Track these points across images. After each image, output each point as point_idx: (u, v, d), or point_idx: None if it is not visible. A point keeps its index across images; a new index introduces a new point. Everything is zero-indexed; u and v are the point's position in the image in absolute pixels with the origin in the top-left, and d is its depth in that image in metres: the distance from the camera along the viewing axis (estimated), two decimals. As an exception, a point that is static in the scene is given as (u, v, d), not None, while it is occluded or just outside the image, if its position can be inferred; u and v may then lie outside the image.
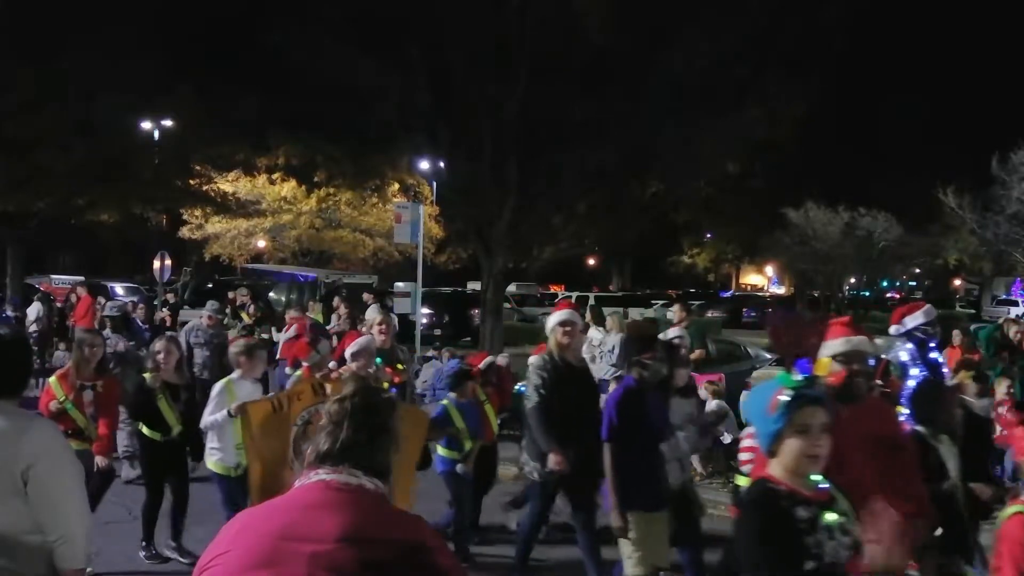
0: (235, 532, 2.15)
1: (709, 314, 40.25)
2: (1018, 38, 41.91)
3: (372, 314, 18.14)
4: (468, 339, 26.04)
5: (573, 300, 37.64)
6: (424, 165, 27.49)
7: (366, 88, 17.45)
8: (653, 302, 42.46)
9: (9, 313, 17.80)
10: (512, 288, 36.26)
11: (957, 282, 56.41)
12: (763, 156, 31.49)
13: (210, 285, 31.23)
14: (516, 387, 13.99)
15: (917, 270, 47.65)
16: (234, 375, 6.71)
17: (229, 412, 6.20)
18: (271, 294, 26.82)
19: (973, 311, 45.15)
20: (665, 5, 17.19)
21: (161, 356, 7.11)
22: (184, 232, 36.23)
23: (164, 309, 18.86)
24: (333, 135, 27.65)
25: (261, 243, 37.70)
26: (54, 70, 22.62)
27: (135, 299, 20.84)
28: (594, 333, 12.13)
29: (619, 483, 5.43)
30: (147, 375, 7.13)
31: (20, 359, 3.49)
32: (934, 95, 42.94)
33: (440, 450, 7.41)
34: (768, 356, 15.74)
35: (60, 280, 28.01)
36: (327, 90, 19.42)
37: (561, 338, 6.38)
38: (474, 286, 34.96)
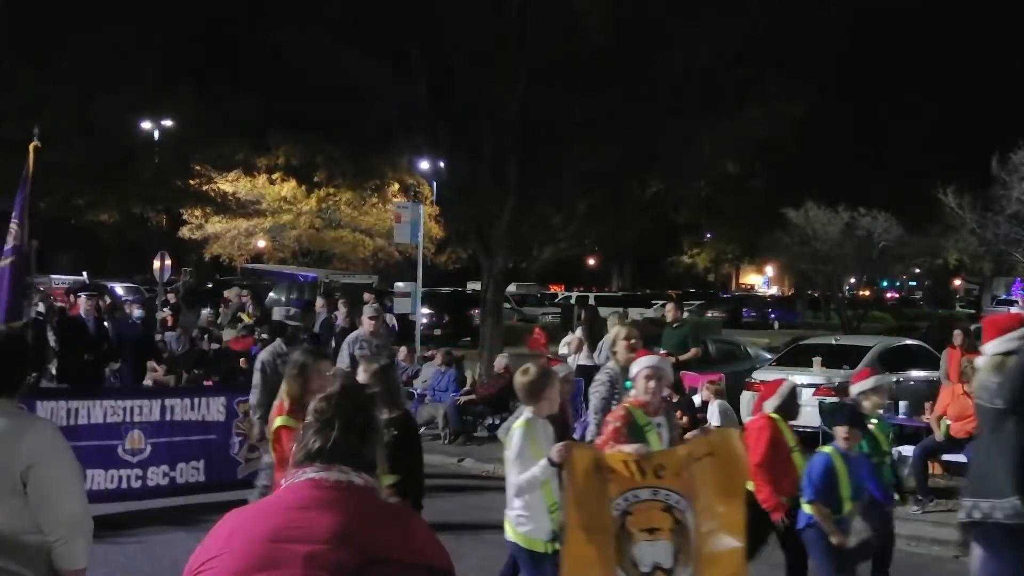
0: (226, 535, 2.13)
1: (709, 314, 40.29)
2: (1018, 38, 41.87)
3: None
4: (468, 339, 26.05)
5: (573, 300, 37.74)
6: (424, 165, 27.49)
7: (366, 88, 17.43)
8: (653, 302, 42.51)
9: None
10: (512, 288, 36.24)
11: (957, 282, 56.39)
12: (763, 156, 31.52)
13: (210, 285, 31.25)
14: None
15: (917, 270, 47.59)
16: (526, 413, 5.05)
17: (551, 460, 4.71)
18: (271, 294, 26.83)
19: (973, 311, 45.16)
20: (665, 5, 17.18)
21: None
22: (184, 232, 36.25)
23: (165, 309, 18.87)
24: (333, 135, 27.68)
25: (261, 243, 37.70)
26: (54, 70, 22.63)
27: (133, 298, 20.84)
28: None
29: None
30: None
31: (17, 358, 3.48)
32: (934, 95, 42.91)
33: (805, 505, 5.71)
34: (768, 356, 15.76)
35: (60, 280, 28.02)
36: (327, 90, 19.42)
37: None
38: (474, 286, 34.95)
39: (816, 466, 5.71)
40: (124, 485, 8.29)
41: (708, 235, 58.69)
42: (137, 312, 13.98)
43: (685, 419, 10.73)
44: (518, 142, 16.94)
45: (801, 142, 29.72)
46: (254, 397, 7.89)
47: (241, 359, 13.26)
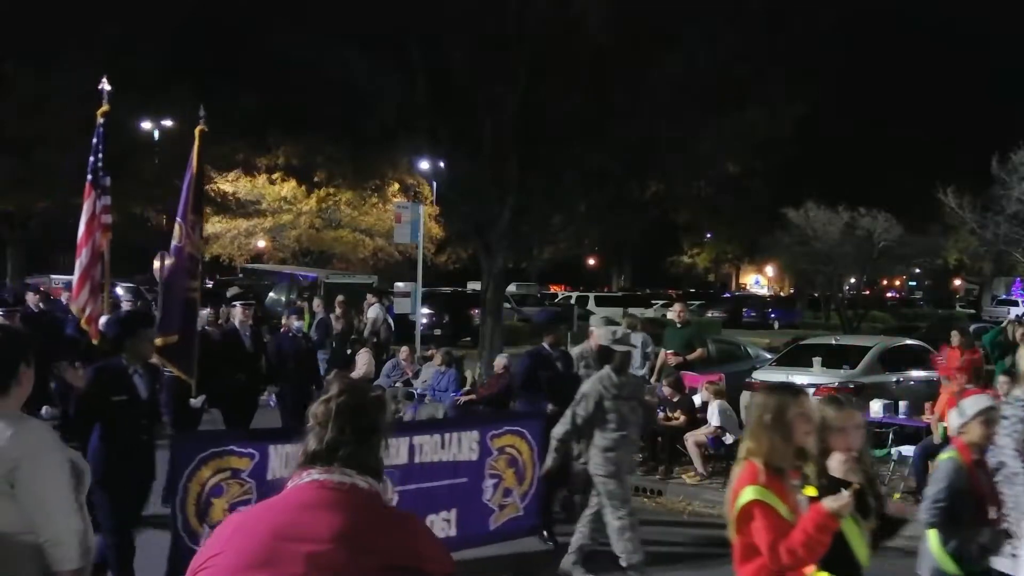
0: (229, 533, 2.14)
1: (709, 314, 40.27)
2: (1018, 38, 41.90)
3: (374, 313, 18.24)
4: (468, 339, 26.04)
5: (573, 300, 37.76)
6: (424, 165, 27.50)
7: (366, 88, 17.43)
8: (653, 302, 42.52)
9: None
10: (512, 288, 36.24)
11: (957, 282, 56.41)
12: (763, 156, 31.48)
13: (210, 285, 31.21)
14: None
15: (917, 270, 47.61)
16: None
17: None
18: (271, 294, 26.84)
19: (973, 311, 45.17)
20: (665, 5, 17.18)
21: None
22: (184, 232, 36.19)
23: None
24: (333, 135, 27.66)
25: (261, 243, 37.69)
26: (54, 70, 22.65)
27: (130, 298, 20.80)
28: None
29: None
30: None
31: (5, 359, 3.39)
32: (934, 95, 42.95)
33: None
34: (768, 356, 15.76)
35: (60, 280, 28.02)
36: (327, 90, 19.40)
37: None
38: (474, 286, 34.95)
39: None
40: None
41: (708, 235, 58.67)
42: (296, 324, 11.72)
43: (684, 419, 10.76)
44: (518, 142, 16.95)
45: (801, 142, 29.69)
46: (561, 429, 6.90)
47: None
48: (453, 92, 17.17)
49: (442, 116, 17.38)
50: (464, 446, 7.23)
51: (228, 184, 33.76)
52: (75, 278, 8.25)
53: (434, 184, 30.38)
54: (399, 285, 21.73)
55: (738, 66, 17.72)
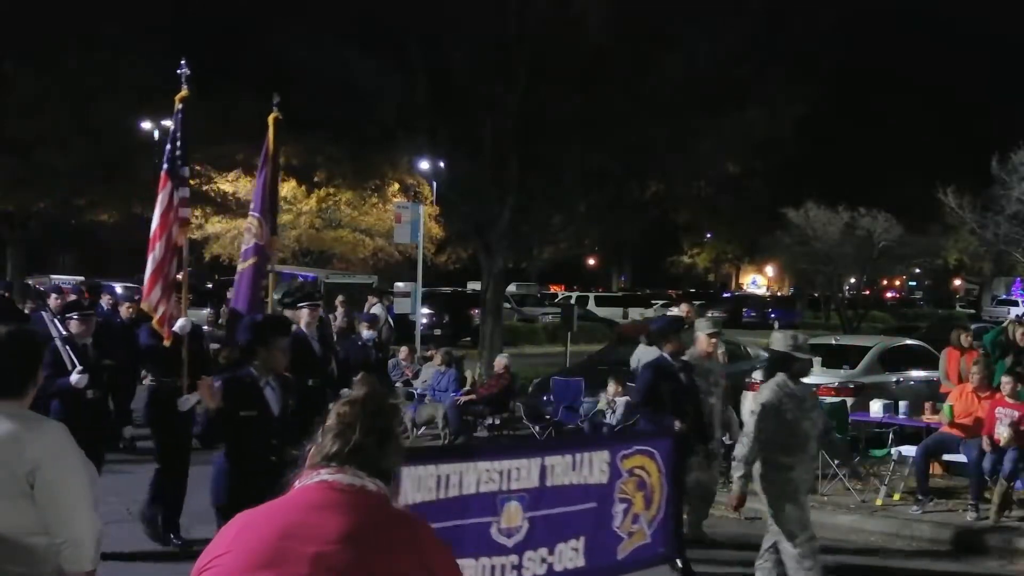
0: (235, 532, 2.13)
1: (709, 314, 40.24)
2: (1018, 38, 41.91)
3: (376, 313, 18.25)
4: (468, 339, 26.05)
5: (573, 300, 37.77)
6: (424, 165, 27.50)
7: (366, 88, 17.44)
8: (653, 302, 42.52)
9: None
10: (512, 288, 36.24)
11: (957, 282, 56.43)
12: (763, 156, 31.49)
13: (210, 285, 31.22)
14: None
15: (917, 270, 47.62)
16: None
17: None
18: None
19: (973, 311, 45.19)
20: (665, 5, 17.19)
21: None
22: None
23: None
24: (333, 135, 27.64)
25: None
26: (54, 70, 22.65)
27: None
28: None
29: None
30: None
31: (22, 358, 3.43)
32: (934, 95, 42.97)
33: None
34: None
35: (60, 280, 28.03)
36: (327, 90, 19.40)
37: None
38: (474, 286, 34.95)
39: None
40: None
41: (708, 235, 58.69)
42: (367, 334, 11.12)
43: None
44: (518, 142, 16.96)
45: (801, 142, 29.70)
46: (744, 448, 6.27)
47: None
48: (453, 92, 17.17)
49: (442, 116, 17.39)
50: (595, 467, 6.51)
51: (228, 184, 33.74)
52: (147, 275, 7.63)
53: (434, 184, 30.38)
54: (399, 285, 21.75)
55: (738, 66, 17.73)
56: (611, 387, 11.91)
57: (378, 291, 21.47)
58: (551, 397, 13.17)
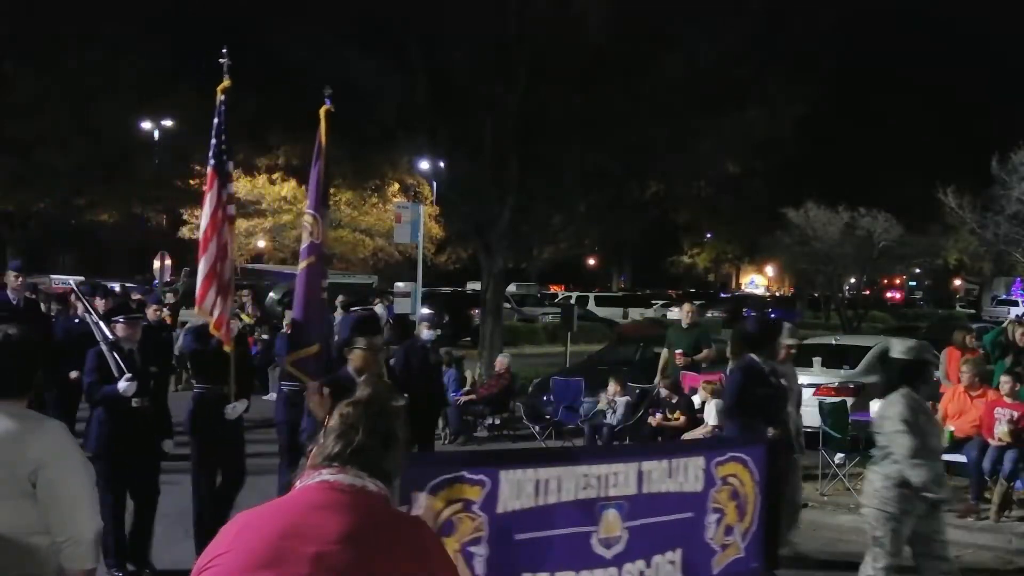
0: (235, 532, 2.14)
1: (709, 314, 40.28)
2: (1018, 38, 41.93)
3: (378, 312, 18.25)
4: (468, 339, 26.04)
5: (573, 300, 37.77)
6: (424, 165, 27.51)
7: (366, 88, 17.44)
8: (653, 302, 42.53)
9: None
10: (512, 288, 36.23)
11: (957, 282, 56.43)
12: (763, 156, 31.49)
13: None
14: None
15: (917, 270, 47.63)
16: None
17: None
18: (271, 294, 26.83)
19: (973, 311, 45.18)
20: (665, 5, 17.19)
21: None
22: (184, 232, 36.20)
23: (165, 309, 18.82)
24: (333, 135, 27.66)
25: (261, 243, 37.69)
26: (54, 70, 22.67)
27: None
28: None
29: None
30: None
31: (23, 359, 3.46)
32: (934, 95, 42.98)
33: None
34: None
35: (60, 280, 28.03)
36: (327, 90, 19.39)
37: None
38: (474, 286, 34.95)
39: None
40: None
41: (708, 235, 58.71)
42: (427, 334, 10.45)
43: (684, 419, 10.76)
44: (518, 142, 16.96)
45: (801, 142, 29.70)
46: (922, 471, 5.77)
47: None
48: (453, 92, 17.17)
49: (442, 116, 17.38)
50: (691, 474, 6.07)
51: (228, 184, 33.75)
52: (200, 277, 7.17)
53: (434, 184, 30.40)
54: (399, 285, 21.72)
55: (738, 66, 17.73)
56: (611, 387, 11.91)
57: (379, 291, 21.48)
58: (551, 397, 13.17)
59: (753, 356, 7.42)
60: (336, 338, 8.26)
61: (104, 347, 6.67)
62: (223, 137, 7.65)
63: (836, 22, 20.36)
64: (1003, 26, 43.35)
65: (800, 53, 19.12)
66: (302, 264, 7.74)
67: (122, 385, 6.49)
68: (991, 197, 26.93)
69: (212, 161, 7.59)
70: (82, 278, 26.92)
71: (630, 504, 5.63)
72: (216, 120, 7.72)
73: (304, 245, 7.74)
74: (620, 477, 5.64)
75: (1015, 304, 40.17)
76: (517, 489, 5.16)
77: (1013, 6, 41.00)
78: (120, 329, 6.80)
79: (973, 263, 41.15)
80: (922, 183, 30.79)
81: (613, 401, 11.75)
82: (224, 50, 7.82)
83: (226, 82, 7.80)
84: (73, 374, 10.01)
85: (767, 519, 6.51)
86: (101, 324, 6.91)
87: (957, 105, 43.16)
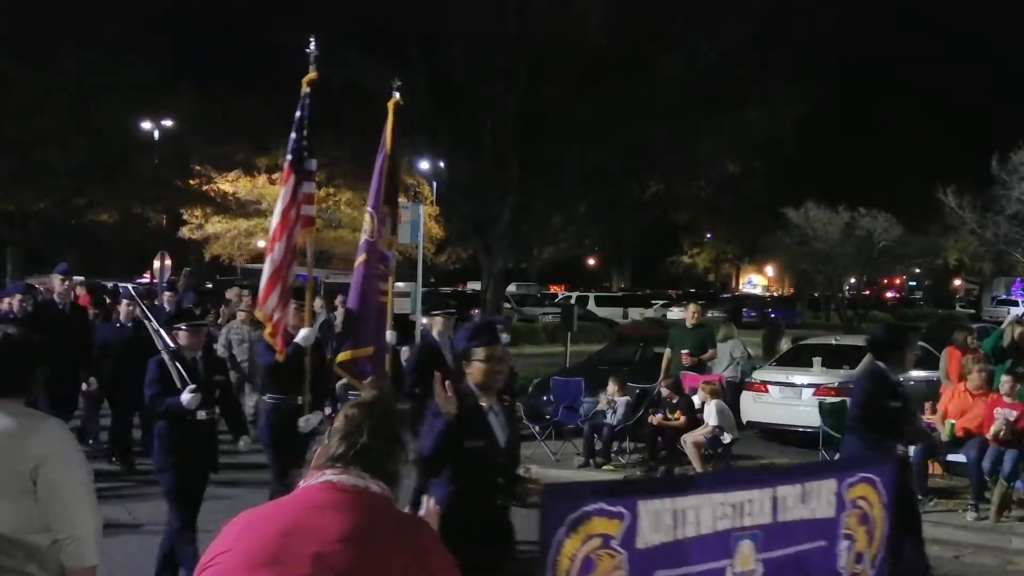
0: (238, 531, 2.15)
1: (709, 314, 40.27)
2: (1018, 38, 41.95)
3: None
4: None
5: (573, 300, 37.80)
6: (424, 165, 27.50)
7: (366, 88, 17.46)
8: (653, 302, 42.51)
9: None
10: (512, 288, 36.24)
11: (957, 282, 56.42)
12: (763, 156, 31.51)
13: (209, 285, 31.22)
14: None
15: (917, 270, 47.64)
16: None
17: None
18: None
19: (973, 311, 45.18)
20: (665, 5, 17.21)
21: None
22: (184, 232, 36.22)
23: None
24: (334, 135, 27.68)
25: (261, 243, 37.67)
26: (54, 70, 22.66)
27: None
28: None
29: None
30: None
31: (22, 357, 3.48)
32: (934, 95, 43.00)
33: None
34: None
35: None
36: (327, 90, 19.42)
37: None
38: (474, 286, 34.96)
39: None
40: None
41: (708, 235, 58.71)
42: (505, 338, 10.48)
43: (684, 419, 10.76)
44: (518, 142, 16.99)
45: (801, 142, 29.73)
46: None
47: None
48: (453, 92, 17.20)
49: (442, 116, 17.42)
50: (823, 499, 5.53)
51: (228, 184, 33.76)
52: (264, 279, 6.78)
53: (434, 184, 30.41)
54: (399, 285, 21.71)
55: (738, 66, 17.76)
56: (611, 387, 11.90)
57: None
58: (551, 397, 13.15)
59: (881, 364, 6.74)
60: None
61: (166, 356, 6.22)
62: (304, 132, 7.25)
63: (836, 22, 20.44)
64: (1003, 26, 43.41)
65: (800, 53, 19.18)
66: (358, 262, 7.61)
67: (186, 397, 6.02)
68: (991, 197, 26.95)
69: (290, 156, 7.28)
70: (82, 278, 26.94)
71: (764, 533, 5.18)
72: (299, 113, 7.29)
73: (362, 241, 7.62)
74: (755, 505, 5.19)
75: (1015, 304, 40.16)
76: (656, 522, 4.70)
77: (1013, 6, 41.05)
78: (183, 337, 6.32)
79: (973, 263, 41.18)
80: (922, 183, 30.81)
81: (613, 401, 11.74)
82: (312, 39, 7.41)
83: (312, 74, 7.38)
84: (84, 386, 9.81)
85: (895, 544, 5.95)
86: (162, 332, 6.49)
87: (957, 105, 43.18)
